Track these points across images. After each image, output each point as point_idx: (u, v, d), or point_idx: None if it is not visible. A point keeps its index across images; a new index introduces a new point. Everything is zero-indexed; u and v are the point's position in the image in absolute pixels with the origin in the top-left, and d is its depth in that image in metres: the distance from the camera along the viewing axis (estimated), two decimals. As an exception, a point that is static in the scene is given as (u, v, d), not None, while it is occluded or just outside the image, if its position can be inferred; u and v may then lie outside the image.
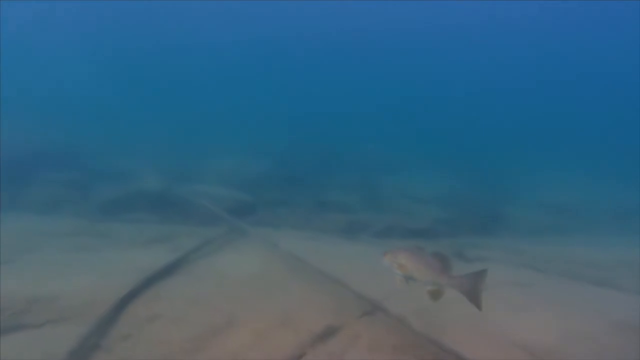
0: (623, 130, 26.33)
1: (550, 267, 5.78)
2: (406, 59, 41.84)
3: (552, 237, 9.06)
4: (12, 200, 8.55)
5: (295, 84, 40.28)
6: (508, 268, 5.67)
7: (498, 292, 4.69)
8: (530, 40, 37.61)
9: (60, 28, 35.48)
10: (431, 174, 15.94)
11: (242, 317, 3.91)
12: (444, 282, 2.54)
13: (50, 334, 3.63)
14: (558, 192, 12.62)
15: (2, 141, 10.04)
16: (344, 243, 7.06)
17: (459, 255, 6.51)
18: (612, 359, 3.55)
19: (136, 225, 7.22)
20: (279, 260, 5.52)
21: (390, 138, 21.33)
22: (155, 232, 6.86)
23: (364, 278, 4.72)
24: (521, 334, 3.78)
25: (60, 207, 8.33)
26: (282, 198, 10.80)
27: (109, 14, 36.83)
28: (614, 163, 16.32)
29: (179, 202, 8.41)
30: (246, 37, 41.59)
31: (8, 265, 5.01)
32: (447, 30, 39.92)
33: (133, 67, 36.38)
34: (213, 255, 5.76)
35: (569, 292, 4.69)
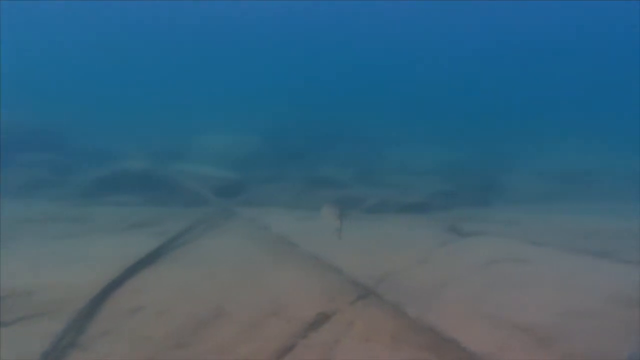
0: (624, 93, 25.91)
1: (548, 239, 5.61)
2: (401, 28, 40.56)
3: (552, 205, 8.92)
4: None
5: (289, 58, 39.05)
6: (504, 242, 5.49)
7: (494, 269, 4.52)
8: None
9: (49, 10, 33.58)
10: (430, 146, 15.70)
11: (231, 308, 3.69)
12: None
13: (23, 332, 3.39)
14: (558, 159, 12.44)
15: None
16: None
17: (453, 229, 6.32)
18: (614, 336, 3.42)
19: (119, 209, 6.90)
20: (269, 243, 5.28)
21: (388, 111, 20.88)
22: (139, 215, 6.56)
23: (352, 261, 4.51)
24: (520, 315, 3.63)
25: (39, 190, 7.95)
26: (274, 175, 10.49)
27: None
28: (617, 128, 16.09)
29: (165, 182, 8.06)
30: (238, 10, 39.83)
31: (-21, 257, 4.71)
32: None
33: (121, 45, 34.86)
34: (200, 240, 5.51)
35: (568, 267, 4.53)
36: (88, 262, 4.57)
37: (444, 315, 3.51)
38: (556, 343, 3.06)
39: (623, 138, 14.36)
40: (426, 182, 10.85)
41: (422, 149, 15.30)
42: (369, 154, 14.57)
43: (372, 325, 3.41)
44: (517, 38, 36.16)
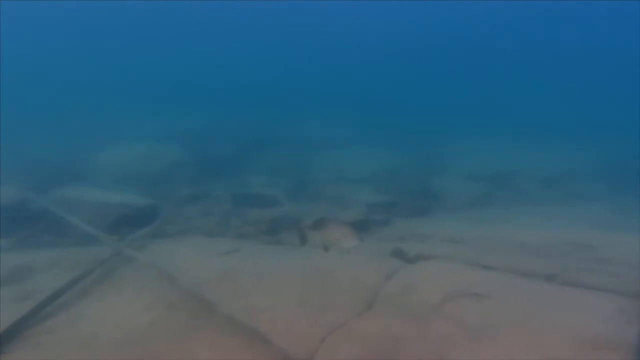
0: (545, 95, 28.20)
1: (494, 260, 5.15)
2: (334, 29, 40.42)
3: (485, 212, 8.80)
4: None
5: (213, 56, 36.71)
6: (454, 269, 4.91)
7: (451, 311, 3.85)
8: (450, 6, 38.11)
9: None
10: (365, 147, 15.30)
11: None
12: None
13: None
14: (485, 160, 12.69)
15: None
16: (267, 254, 5.79)
17: (398, 253, 5.65)
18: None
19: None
20: (177, 302, 4.08)
21: (320, 114, 20.19)
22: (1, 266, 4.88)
23: (283, 321, 3.54)
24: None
25: None
26: (195, 193, 9.10)
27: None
28: (538, 130, 17.15)
29: (44, 217, 6.32)
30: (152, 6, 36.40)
31: None
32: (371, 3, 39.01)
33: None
34: (78, 304, 4.11)
35: (526, 300, 4.02)
36: None
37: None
38: None
39: (545, 137, 15.30)
40: (363, 191, 10.27)
41: (356, 151, 14.86)
42: (303, 160, 13.72)
43: None
44: (447, 39, 37.92)
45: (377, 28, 39.09)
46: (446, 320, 3.72)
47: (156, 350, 3.27)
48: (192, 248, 5.83)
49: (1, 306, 4.00)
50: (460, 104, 25.37)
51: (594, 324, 3.41)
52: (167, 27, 37.25)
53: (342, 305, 4.11)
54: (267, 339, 3.33)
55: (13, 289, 4.35)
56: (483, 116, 21.33)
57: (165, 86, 24.93)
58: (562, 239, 5.69)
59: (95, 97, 21.48)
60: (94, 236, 5.69)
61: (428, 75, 34.88)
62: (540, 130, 16.80)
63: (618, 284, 4.05)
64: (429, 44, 38.17)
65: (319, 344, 3.34)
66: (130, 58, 34.29)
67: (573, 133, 16.08)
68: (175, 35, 37.50)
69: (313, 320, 3.72)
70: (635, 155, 12.13)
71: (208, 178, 10.09)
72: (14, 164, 8.54)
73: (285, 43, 38.92)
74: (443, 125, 18.55)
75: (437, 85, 32.22)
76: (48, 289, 4.24)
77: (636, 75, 28.62)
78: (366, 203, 8.90)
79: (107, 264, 4.97)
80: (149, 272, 4.80)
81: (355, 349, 3.31)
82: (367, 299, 4.27)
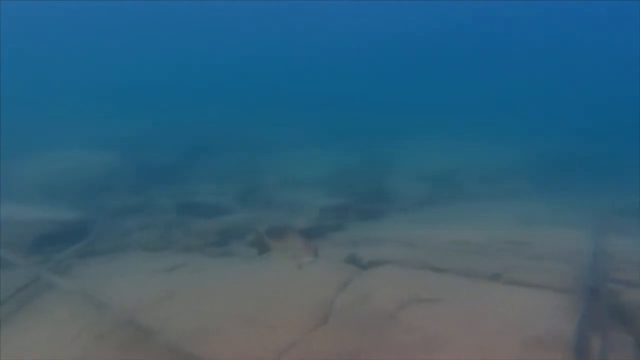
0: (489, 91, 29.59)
1: (444, 261, 5.22)
2: (282, 29, 39.98)
3: (433, 211, 9.04)
4: None
5: (156, 55, 34.72)
6: (407, 274, 4.90)
7: (405, 319, 3.80)
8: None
9: None
10: (315, 149, 15.21)
11: None
12: None
13: None
14: (434, 161, 13.11)
15: None
16: (214, 268, 5.42)
17: (352, 259, 5.56)
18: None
19: None
20: (109, 331, 3.62)
21: (271, 116, 19.78)
22: None
23: (238, 349, 3.26)
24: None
25: None
26: (135, 204, 8.39)
27: None
28: (480, 128, 18.02)
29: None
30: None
31: None
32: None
33: None
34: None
35: (476, 302, 4.09)
36: None
37: None
38: None
39: (486, 135, 16.14)
40: (316, 194, 10.15)
41: (308, 153, 14.74)
42: (253, 164, 13.33)
43: None
44: (395, 40, 38.72)
45: (325, 28, 39.33)
46: (402, 329, 3.66)
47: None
48: (128, 266, 5.31)
49: None
50: (409, 103, 26.18)
51: (536, 323, 3.52)
52: (109, 24, 34.66)
53: (296, 321, 3.90)
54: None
55: None
56: (431, 116, 22.17)
57: (104, 88, 23.06)
58: (502, 237, 5.94)
59: (23, 99, 19.38)
60: (8, 260, 4.96)
61: (376, 76, 35.64)
62: (483, 128, 17.77)
63: (554, 280, 4.26)
64: (377, 45, 39.01)
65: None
66: (66, 55, 31.43)
67: (513, 131, 17.13)
68: (116, 34, 35.04)
69: (264, 342, 3.48)
70: (567, 154, 13.23)
71: (150, 186, 9.36)
72: None
73: (231, 43, 37.86)
74: (393, 126, 19.00)
75: (385, 86, 33.03)
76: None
77: (579, 75, 30.89)
78: (319, 207, 8.77)
79: (24, 291, 4.33)
80: (75, 297, 4.24)
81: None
82: (322, 312, 4.11)
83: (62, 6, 33.65)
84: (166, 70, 31.03)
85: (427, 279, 4.69)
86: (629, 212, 7.84)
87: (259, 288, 4.66)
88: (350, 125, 20.18)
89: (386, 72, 36.31)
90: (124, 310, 3.88)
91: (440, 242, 5.94)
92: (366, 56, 38.53)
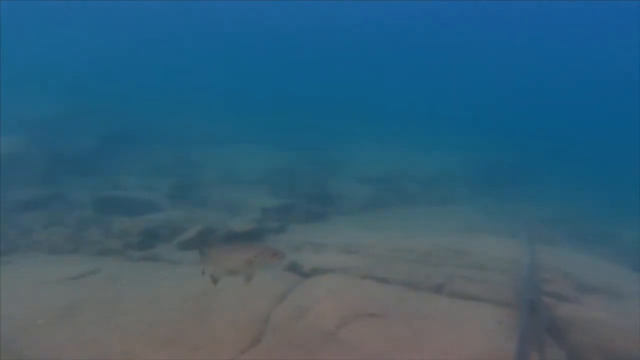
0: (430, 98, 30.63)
1: (387, 271, 5.03)
2: (220, 22, 38.16)
3: (378, 217, 8.97)
4: None
5: (72, 34, 31.15)
6: (350, 284, 4.62)
7: (347, 338, 3.49)
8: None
9: None
10: (256, 145, 14.52)
11: None
12: None
13: None
14: (377, 164, 13.15)
15: None
16: (132, 276, 4.69)
17: (293, 267, 5.18)
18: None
19: None
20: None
21: (201, 107, 18.53)
22: None
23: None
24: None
25: None
26: (39, 197, 7.15)
27: None
28: (423, 133, 18.53)
29: None
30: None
31: None
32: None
33: None
34: None
35: (419, 316, 3.91)
36: None
37: None
38: None
39: (427, 141, 16.67)
40: (257, 193, 9.59)
41: (245, 149, 14.01)
42: (185, 158, 12.33)
43: None
44: (340, 40, 38.74)
45: (267, 24, 38.37)
46: (341, 349, 3.34)
47: None
48: (22, 274, 4.38)
49: None
50: (352, 105, 26.37)
51: (478, 341, 3.41)
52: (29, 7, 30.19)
53: (225, 340, 3.41)
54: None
55: None
56: (374, 119, 22.49)
57: (9, 67, 19.92)
58: (442, 244, 5.93)
59: None
60: None
61: (317, 75, 35.57)
62: (425, 133, 18.38)
63: (494, 293, 4.23)
64: (320, 44, 38.97)
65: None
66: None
67: (451, 136, 17.89)
68: (32, 14, 30.68)
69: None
70: (503, 162, 14.05)
71: (61, 177, 8.08)
72: None
73: (167, 29, 35.21)
74: (335, 127, 18.91)
75: (327, 86, 33.08)
76: None
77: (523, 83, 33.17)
78: (260, 207, 8.25)
79: None
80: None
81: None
82: (256, 328, 3.66)
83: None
84: (83, 51, 27.87)
85: (370, 290, 4.45)
86: (553, 220, 8.44)
87: (185, 300, 4.07)
88: (295, 124, 19.76)
89: (333, 74, 36.45)
90: (7, 333, 3.08)
91: (385, 250, 5.77)
92: (314, 56, 38.42)
